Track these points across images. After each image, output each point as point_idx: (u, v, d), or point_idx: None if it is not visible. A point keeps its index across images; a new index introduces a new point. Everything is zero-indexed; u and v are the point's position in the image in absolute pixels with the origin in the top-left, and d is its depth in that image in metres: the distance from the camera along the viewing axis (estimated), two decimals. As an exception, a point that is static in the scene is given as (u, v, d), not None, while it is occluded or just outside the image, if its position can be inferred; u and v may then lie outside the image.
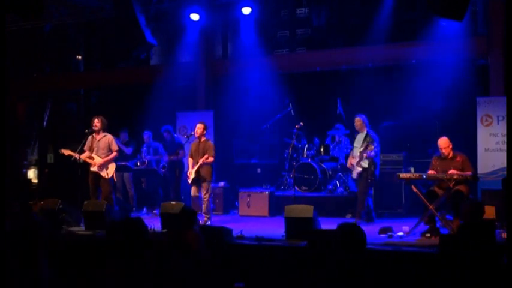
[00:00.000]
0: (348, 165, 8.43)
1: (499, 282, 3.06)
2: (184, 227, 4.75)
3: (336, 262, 3.23)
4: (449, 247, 2.97)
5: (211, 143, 8.56)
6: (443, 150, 7.06)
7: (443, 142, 7.08)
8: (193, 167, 8.28)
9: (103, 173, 8.38)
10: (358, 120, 8.34)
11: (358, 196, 8.22)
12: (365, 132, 8.22)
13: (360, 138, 8.26)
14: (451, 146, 7.08)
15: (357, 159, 8.10)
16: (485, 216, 6.10)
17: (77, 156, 8.36)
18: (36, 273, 2.66)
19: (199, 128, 8.40)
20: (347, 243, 3.23)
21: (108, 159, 8.42)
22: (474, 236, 2.77)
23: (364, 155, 7.98)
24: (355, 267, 3.19)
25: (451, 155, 7.08)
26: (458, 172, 6.86)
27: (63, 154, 8.52)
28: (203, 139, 8.40)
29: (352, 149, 8.46)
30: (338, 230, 3.35)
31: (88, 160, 8.41)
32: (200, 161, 8.18)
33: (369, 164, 8.00)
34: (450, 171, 6.87)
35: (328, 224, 7.58)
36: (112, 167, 8.47)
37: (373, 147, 7.94)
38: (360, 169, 8.10)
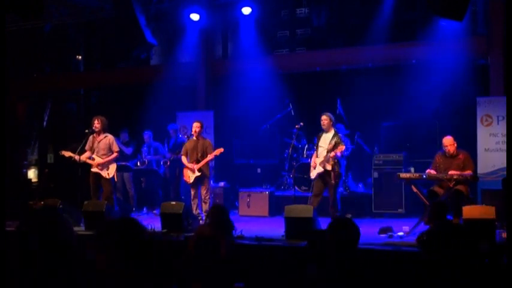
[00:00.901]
0: (312, 164, 7.86)
1: (499, 282, 3.06)
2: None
3: (336, 262, 3.22)
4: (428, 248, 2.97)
5: (209, 141, 8.58)
6: (448, 148, 7.10)
7: (449, 140, 7.16)
8: (192, 165, 8.28)
9: (103, 173, 8.39)
10: (326, 119, 7.82)
11: (331, 201, 7.70)
12: (332, 132, 7.81)
13: (326, 137, 7.80)
14: (455, 145, 7.14)
15: (322, 159, 7.67)
16: (485, 216, 6.11)
17: (77, 157, 8.35)
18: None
19: (196, 126, 8.38)
20: (340, 241, 3.20)
21: (108, 160, 8.43)
22: (445, 237, 2.76)
23: (332, 154, 7.52)
24: (355, 267, 3.18)
25: (454, 153, 7.13)
26: (458, 172, 6.88)
27: (63, 156, 8.54)
28: (200, 138, 8.41)
29: (315, 149, 7.93)
30: (330, 226, 3.32)
31: (88, 161, 8.42)
32: (210, 156, 8.19)
33: (333, 166, 7.61)
34: (450, 172, 6.89)
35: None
36: (113, 167, 8.48)
37: (344, 146, 7.64)
38: (321, 170, 7.64)
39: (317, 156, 7.83)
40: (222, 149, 8.27)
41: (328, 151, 7.63)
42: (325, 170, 7.64)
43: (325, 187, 7.77)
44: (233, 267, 4.63)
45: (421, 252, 5.74)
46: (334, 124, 7.93)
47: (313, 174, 7.82)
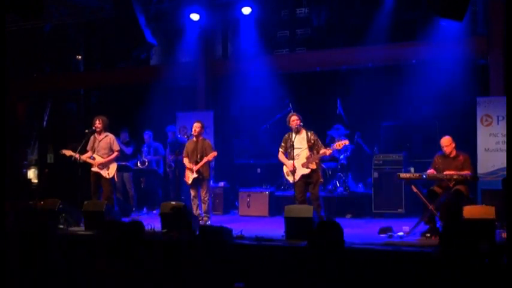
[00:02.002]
0: (291, 168, 7.37)
1: (499, 282, 3.06)
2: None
3: (336, 262, 3.22)
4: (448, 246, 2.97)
5: (209, 141, 8.56)
6: (445, 149, 7.06)
7: (446, 140, 7.08)
8: (192, 166, 8.27)
9: (104, 173, 8.40)
10: (298, 119, 7.50)
11: (314, 202, 7.36)
12: (304, 131, 7.51)
13: (300, 138, 7.50)
14: (453, 145, 7.07)
15: (303, 160, 7.39)
16: (485, 216, 6.11)
17: (77, 156, 8.37)
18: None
19: (196, 126, 8.36)
20: (326, 242, 3.22)
21: (109, 159, 8.44)
22: (458, 236, 2.76)
23: (329, 150, 7.36)
24: (345, 268, 3.19)
25: (453, 154, 7.08)
26: (457, 172, 6.87)
27: (64, 155, 8.55)
28: (200, 138, 8.39)
29: (288, 151, 7.53)
30: (317, 228, 3.33)
31: (89, 160, 8.43)
32: (205, 159, 8.17)
33: (317, 165, 7.47)
34: (448, 172, 6.88)
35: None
36: (113, 167, 8.49)
37: (347, 141, 7.51)
38: (307, 171, 7.40)
39: (293, 158, 7.40)
40: (215, 153, 8.23)
41: (311, 148, 7.42)
42: (311, 170, 7.41)
43: (306, 188, 7.53)
44: (233, 267, 4.64)
45: (423, 252, 5.75)
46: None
47: (296, 177, 7.43)
